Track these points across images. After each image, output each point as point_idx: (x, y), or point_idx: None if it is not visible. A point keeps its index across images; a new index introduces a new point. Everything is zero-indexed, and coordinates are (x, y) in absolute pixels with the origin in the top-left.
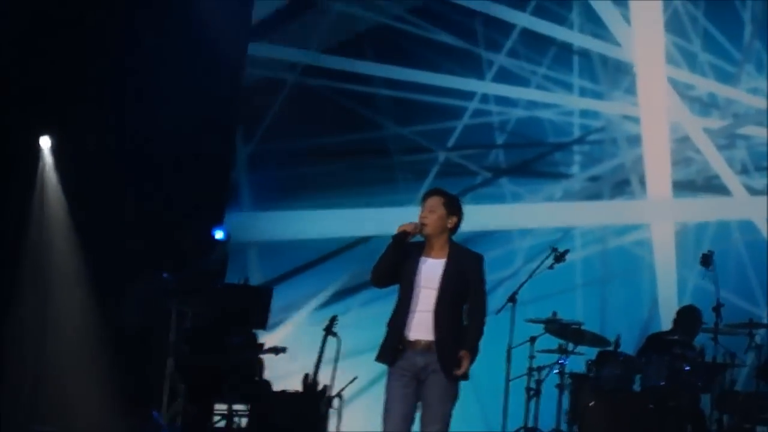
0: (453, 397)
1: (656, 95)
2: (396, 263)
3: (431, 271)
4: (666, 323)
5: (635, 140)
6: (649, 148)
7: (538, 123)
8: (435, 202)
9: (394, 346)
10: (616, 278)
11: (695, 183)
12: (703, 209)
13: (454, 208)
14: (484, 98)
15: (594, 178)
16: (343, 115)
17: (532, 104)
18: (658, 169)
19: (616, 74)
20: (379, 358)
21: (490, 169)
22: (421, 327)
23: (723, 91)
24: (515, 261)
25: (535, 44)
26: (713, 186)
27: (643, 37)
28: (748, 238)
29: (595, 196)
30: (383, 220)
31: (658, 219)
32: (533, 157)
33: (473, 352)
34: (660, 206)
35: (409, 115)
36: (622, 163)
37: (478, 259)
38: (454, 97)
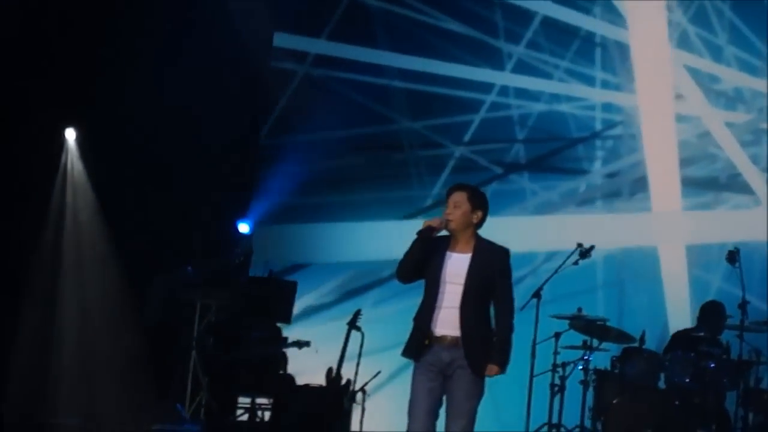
0: (479, 393)
1: (657, 87)
2: (421, 259)
3: (457, 266)
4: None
5: None
6: (650, 149)
7: (559, 117)
8: (460, 197)
9: (420, 342)
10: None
11: (718, 180)
12: (713, 227)
13: (479, 203)
14: (503, 91)
15: (612, 175)
16: (354, 108)
17: (554, 98)
18: (663, 172)
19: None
20: (405, 353)
21: (508, 165)
22: (447, 322)
23: (749, 82)
24: (536, 258)
25: (557, 36)
26: (736, 184)
27: (643, 23)
28: None
29: (615, 194)
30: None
31: (665, 241)
32: (552, 153)
33: (503, 362)
34: (667, 224)
35: (423, 108)
36: (642, 159)
37: (505, 253)
38: (471, 89)
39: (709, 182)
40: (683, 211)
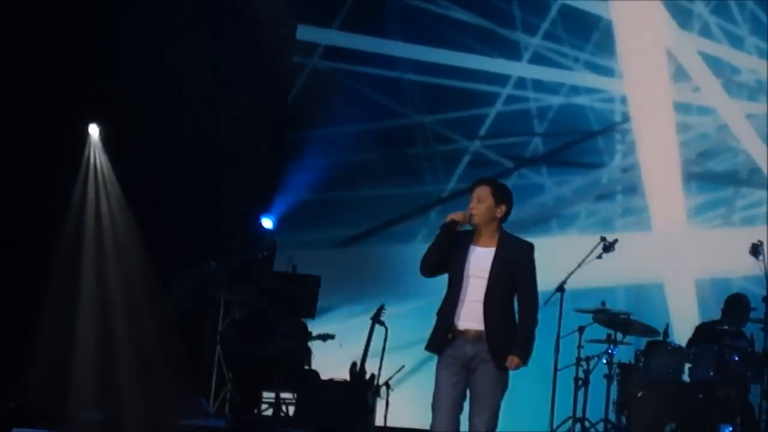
0: (503, 386)
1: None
2: (445, 253)
3: (481, 260)
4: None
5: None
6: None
7: (578, 111)
8: (483, 191)
9: (443, 336)
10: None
11: (738, 175)
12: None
13: (502, 197)
14: (520, 83)
15: (627, 169)
16: (366, 102)
17: (574, 90)
18: (661, 175)
19: None
20: (429, 347)
21: (526, 160)
22: (470, 316)
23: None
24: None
25: (575, 28)
26: (757, 180)
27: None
28: None
29: (631, 189)
30: None
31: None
32: (570, 146)
33: (525, 354)
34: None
35: (437, 102)
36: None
37: (529, 248)
38: (486, 81)
39: (728, 176)
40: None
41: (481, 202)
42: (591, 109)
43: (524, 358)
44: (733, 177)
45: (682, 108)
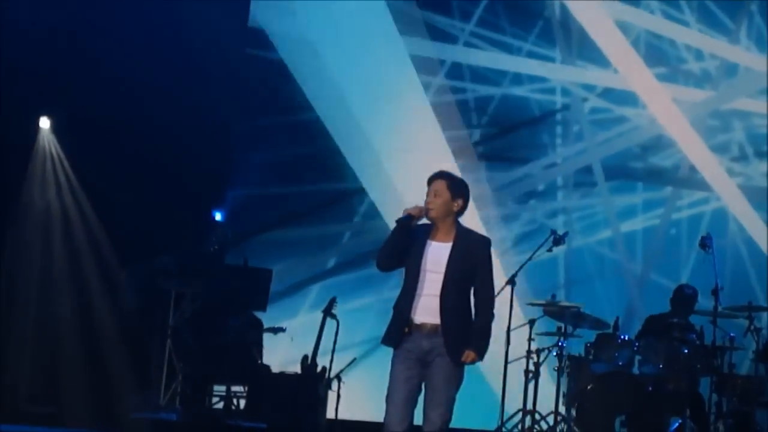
0: (458, 381)
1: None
2: (401, 247)
3: (437, 254)
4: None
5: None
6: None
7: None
8: (440, 185)
9: (400, 329)
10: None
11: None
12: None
13: (459, 191)
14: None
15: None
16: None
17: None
18: None
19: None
20: (385, 340)
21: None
22: (427, 310)
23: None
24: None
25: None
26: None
27: None
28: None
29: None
30: None
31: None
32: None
33: (481, 349)
34: None
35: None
36: (587, 147)
37: (486, 243)
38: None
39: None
40: None
41: (438, 196)
42: (533, 100)
43: (480, 353)
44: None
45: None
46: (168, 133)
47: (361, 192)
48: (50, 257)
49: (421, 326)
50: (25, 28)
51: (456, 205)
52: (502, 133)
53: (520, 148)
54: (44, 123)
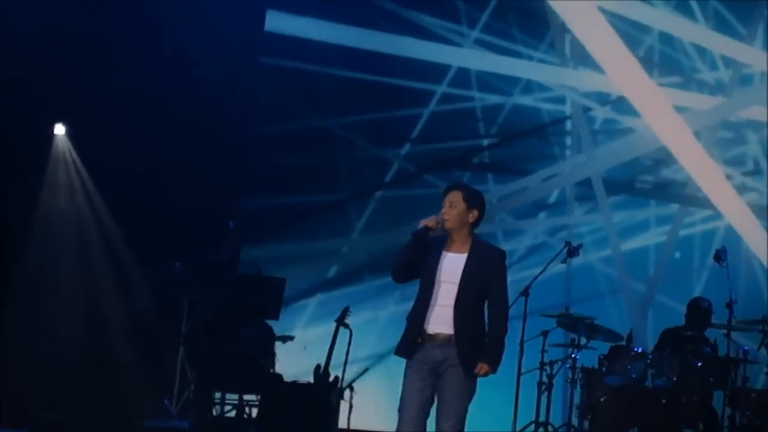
0: (470, 392)
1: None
2: (416, 259)
3: (452, 265)
4: None
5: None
6: None
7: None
8: (455, 196)
9: (413, 340)
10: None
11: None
12: None
13: (474, 202)
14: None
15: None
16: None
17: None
18: None
19: None
20: (398, 351)
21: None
22: (440, 321)
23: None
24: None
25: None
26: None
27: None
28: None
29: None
30: None
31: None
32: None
33: (494, 361)
34: None
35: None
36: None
37: (501, 255)
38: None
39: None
40: None
41: (453, 207)
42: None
43: (493, 366)
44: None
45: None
46: (182, 141)
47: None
48: (63, 263)
49: (434, 336)
50: (37, 35)
51: (471, 216)
52: (509, 142)
53: (527, 159)
54: (59, 130)
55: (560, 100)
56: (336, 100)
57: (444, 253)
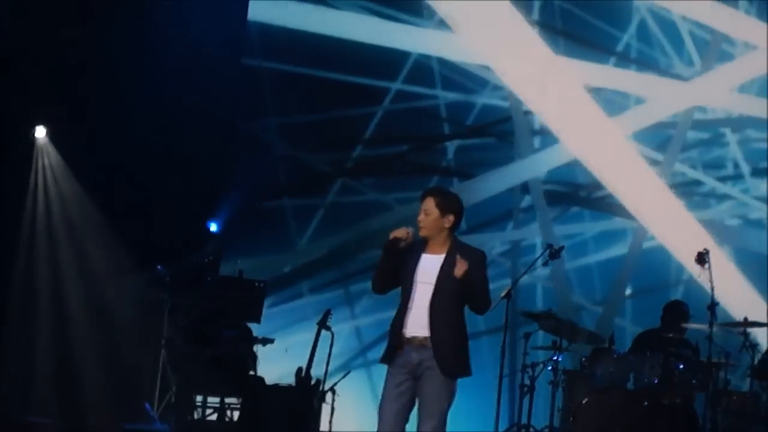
0: (449, 394)
1: None
2: (392, 270)
3: (429, 266)
4: None
5: None
6: None
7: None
8: (428, 204)
9: (393, 347)
10: None
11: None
12: None
13: (448, 207)
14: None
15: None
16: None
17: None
18: None
19: None
20: (381, 358)
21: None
22: (417, 323)
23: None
24: None
25: None
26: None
27: None
28: None
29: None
30: None
31: None
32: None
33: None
34: None
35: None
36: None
37: (480, 255)
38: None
39: None
40: None
41: (427, 215)
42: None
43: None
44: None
45: None
46: (162, 144)
47: None
48: (44, 267)
49: (411, 339)
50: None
51: (447, 221)
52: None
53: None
54: (40, 132)
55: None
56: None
57: (423, 255)
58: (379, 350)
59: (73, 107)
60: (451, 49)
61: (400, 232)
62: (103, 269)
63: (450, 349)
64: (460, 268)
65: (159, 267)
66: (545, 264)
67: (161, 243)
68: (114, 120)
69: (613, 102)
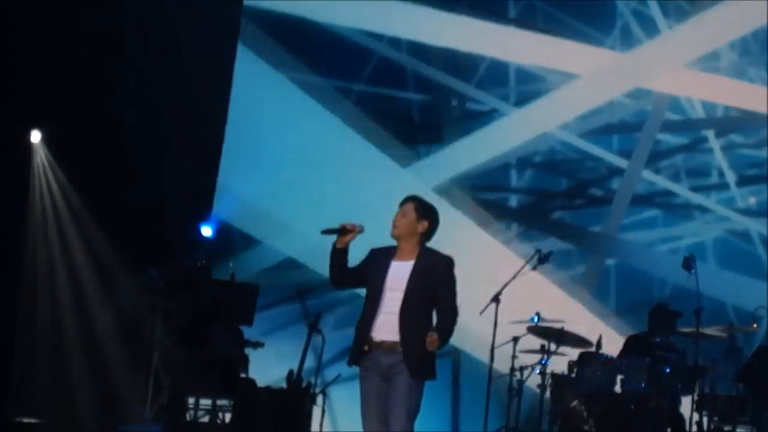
0: (418, 393)
1: None
2: (343, 264)
3: (398, 273)
4: None
5: None
6: None
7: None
8: (408, 207)
9: (359, 348)
10: None
11: None
12: None
13: (425, 214)
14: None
15: None
16: None
17: None
18: None
19: None
20: (349, 360)
21: None
22: (386, 328)
23: None
24: None
25: None
26: None
27: None
28: None
29: None
30: None
31: None
32: None
33: (443, 336)
34: None
35: None
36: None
37: (448, 262)
38: None
39: None
40: None
41: (404, 216)
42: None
43: (442, 338)
44: None
45: None
46: (157, 147)
47: None
48: (40, 269)
49: (381, 344)
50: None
51: (421, 226)
52: None
53: None
54: (35, 137)
55: None
56: None
57: (392, 262)
58: None
59: (69, 110)
60: None
61: (348, 224)
62: (96, 272)
63: (418, 353)
64: (431, 338)
65: (152, 270)
66: (534, 269)
67: (155, 247)
68: (107, 123)
69: None
